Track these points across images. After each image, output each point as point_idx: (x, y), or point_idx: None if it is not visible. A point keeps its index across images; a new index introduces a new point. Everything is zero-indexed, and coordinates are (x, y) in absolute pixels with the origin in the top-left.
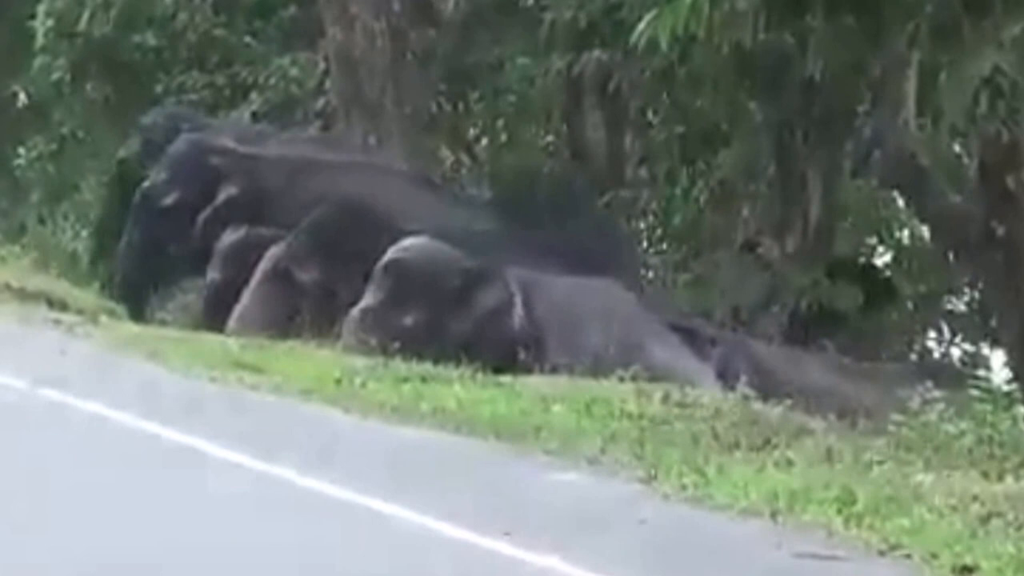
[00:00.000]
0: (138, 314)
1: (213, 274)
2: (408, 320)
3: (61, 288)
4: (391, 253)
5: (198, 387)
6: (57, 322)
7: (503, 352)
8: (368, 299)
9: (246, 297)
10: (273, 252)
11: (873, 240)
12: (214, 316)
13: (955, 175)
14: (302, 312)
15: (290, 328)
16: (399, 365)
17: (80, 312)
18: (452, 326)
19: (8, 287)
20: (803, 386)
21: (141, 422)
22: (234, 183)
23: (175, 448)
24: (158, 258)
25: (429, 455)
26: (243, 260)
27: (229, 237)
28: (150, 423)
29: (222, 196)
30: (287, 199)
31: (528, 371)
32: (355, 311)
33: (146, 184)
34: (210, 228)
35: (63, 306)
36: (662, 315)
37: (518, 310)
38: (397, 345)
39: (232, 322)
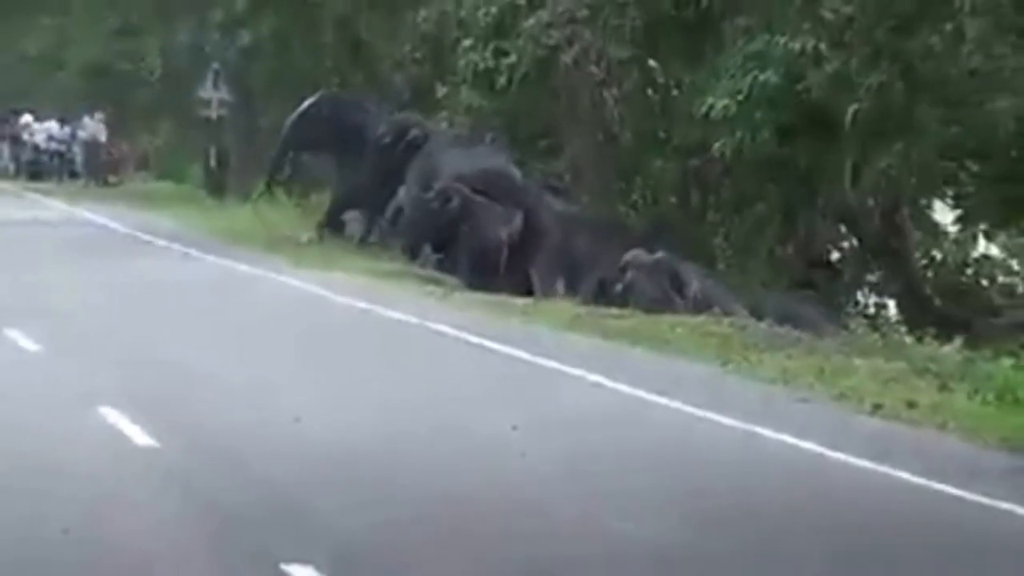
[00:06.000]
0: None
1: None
2: None
3: (431, 273)
4: None
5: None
6: (429, 293)
7: None
8: None
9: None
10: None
11: None
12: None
13: None
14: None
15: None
16: None
17: (440, 284)
18: None
19: (401, 272)
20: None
21: (516, 351)
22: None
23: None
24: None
25: None
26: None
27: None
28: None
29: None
30: None
31: None
32: None
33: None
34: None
35: (436, 281)
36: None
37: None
38: None
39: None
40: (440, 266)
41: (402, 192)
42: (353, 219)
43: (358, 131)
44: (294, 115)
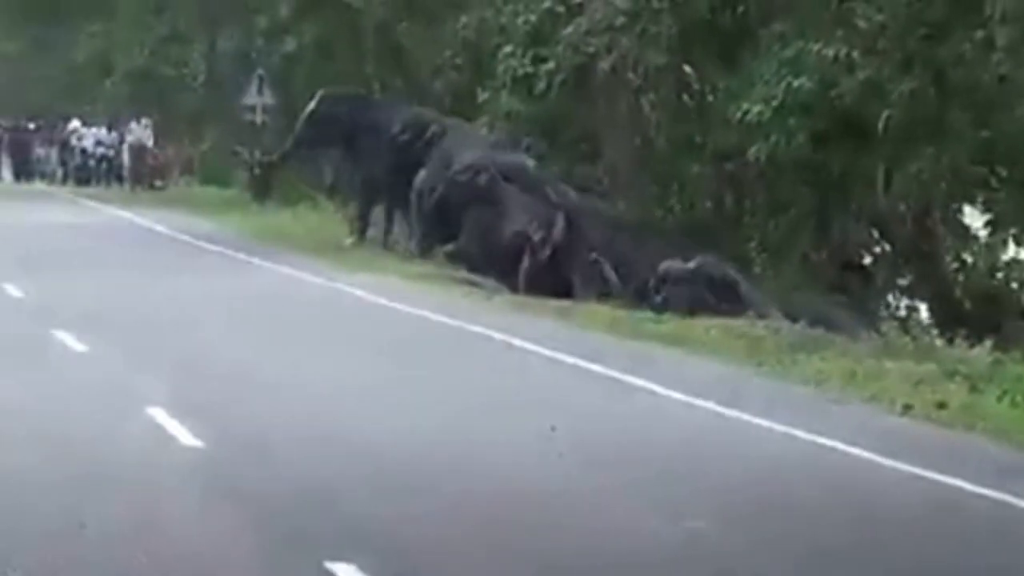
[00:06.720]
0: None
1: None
2: None
3: (468, 276)
4: None
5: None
6: (470, 293)
7: None
8: None
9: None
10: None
11: None
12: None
13: None
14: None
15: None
16: None
17: (481, 287)
18: None
19: (438, 275)
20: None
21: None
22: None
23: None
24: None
25: None
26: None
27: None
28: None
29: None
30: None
31: None
32: None
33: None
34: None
35: (472, 283)
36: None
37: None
38: None
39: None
40: (458, 255)
41: (419, 179)
42: (377, 220)
43: (372, 127)
44: (304, 113)
